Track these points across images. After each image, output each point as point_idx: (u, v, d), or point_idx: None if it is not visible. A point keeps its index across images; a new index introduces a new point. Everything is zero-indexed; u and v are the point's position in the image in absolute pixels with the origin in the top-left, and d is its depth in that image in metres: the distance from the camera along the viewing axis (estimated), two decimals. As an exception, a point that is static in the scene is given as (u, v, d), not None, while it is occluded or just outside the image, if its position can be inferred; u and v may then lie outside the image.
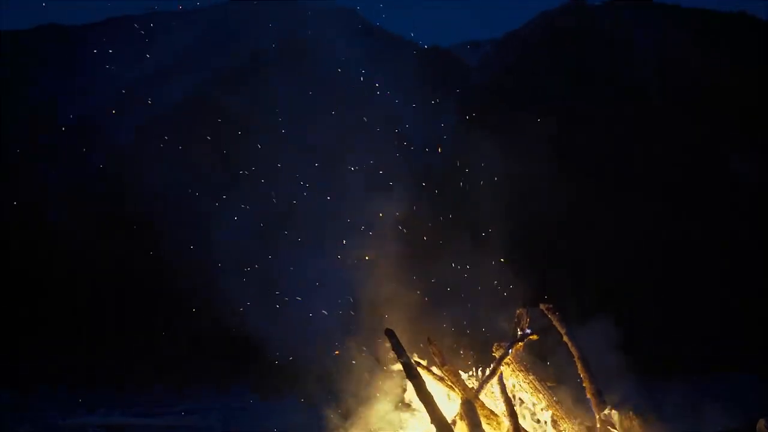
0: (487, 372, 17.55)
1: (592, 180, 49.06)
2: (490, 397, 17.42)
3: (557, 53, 62.50)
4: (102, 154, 50.17)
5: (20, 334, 43.85)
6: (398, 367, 17.02)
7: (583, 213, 45.98)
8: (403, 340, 16.86)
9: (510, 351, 17.51)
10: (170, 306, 41.17)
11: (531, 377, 17.74)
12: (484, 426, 16.12)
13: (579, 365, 18.18)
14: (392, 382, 19.40)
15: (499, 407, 16.95)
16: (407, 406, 18.51)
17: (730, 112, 54.25)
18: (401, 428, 18.51)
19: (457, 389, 16.99)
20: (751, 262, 41.83)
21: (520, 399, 17.86)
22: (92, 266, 46.63)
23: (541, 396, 17.61)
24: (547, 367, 19.11)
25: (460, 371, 17.77)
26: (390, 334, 16.50)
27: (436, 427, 15.37)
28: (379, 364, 19.90)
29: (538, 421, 17.62)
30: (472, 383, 17.61)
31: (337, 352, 21.37)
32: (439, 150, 36.00)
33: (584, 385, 17.99)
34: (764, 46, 59.44)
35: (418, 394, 15.88)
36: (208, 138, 42.14)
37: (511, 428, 16.17)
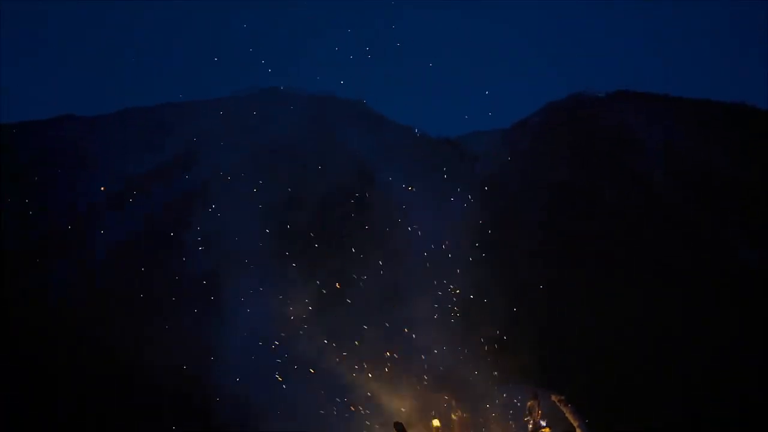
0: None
1: (599, 268, 48.96)
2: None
3: (564, 143, 63.44)
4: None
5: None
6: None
7: (590, 301, 45.71)
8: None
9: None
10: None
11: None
12: None
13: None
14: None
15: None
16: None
17: (734, 199, 54.64)
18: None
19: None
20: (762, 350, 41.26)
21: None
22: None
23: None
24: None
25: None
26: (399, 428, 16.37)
27: None
28: None
29: None
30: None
31: None
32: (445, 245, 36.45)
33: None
34: (765, 134, 60.48)
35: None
36: (216, 226, 42.60)
37: None
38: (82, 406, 40.59)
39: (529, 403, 18.48)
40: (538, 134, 66.45)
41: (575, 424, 18.33)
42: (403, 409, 29.24)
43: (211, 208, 42.69)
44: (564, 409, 18.47)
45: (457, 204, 43.97)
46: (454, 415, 27.21)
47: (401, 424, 16.61)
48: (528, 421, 18.25)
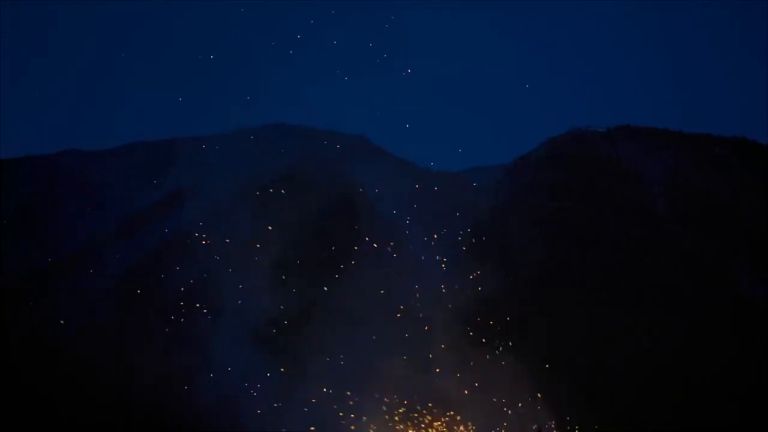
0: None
1: (600, 298, 48.84)
2: None
3: (565, 176, 63.70)
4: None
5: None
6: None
7: (590, 331, 45.52)
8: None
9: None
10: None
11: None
12: None
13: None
14: None
15: None
16: None
17: (735, 230, 54.71)
18: None
19: None
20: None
21: None
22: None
23: None
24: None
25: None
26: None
27: None
28: None
29: None
30: None
31: None
32: (444, 266, 36.57)
33: None
34: (765, 167, 60.81)
35: None
36: (217, 258, 42.86)
37: None
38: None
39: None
40: (539, 168, 66.82)
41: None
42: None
43: (212, 240, 43.01)
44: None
45: (457, 236, 44.21)
46: None
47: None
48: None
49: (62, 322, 49.57)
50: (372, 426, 32.74)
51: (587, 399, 40.36)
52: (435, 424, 32.75)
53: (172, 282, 45.72)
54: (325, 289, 41.43)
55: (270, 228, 44.19)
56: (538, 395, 37.54)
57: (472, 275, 41.50)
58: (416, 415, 33.41)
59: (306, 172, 52.54)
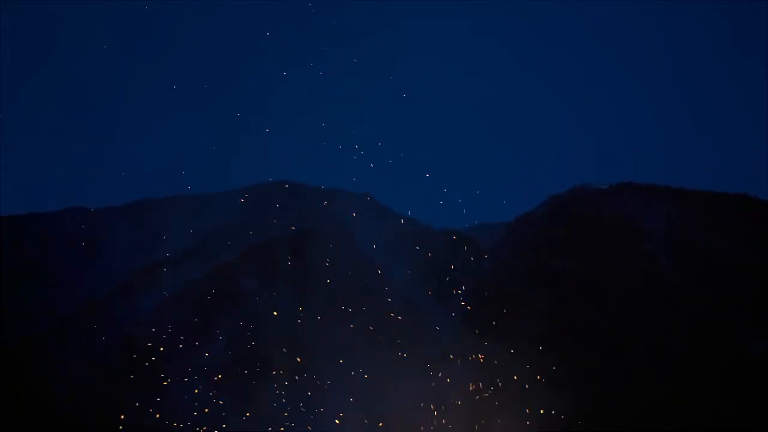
0: None
1: (606, 356, 48.64)
2: None
3: (568, 234, 63.86)
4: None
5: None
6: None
7: (595, 390, 45.23)
8: None
9: None
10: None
11: None
12: None
13: None
14: None
15: None
16: None
17: (741, 287, 54.74)
18: None
19: None
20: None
21: None
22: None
23: None
24: None
25: None
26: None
27: None
28: None
29: None
30: None
31: None
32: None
33: None
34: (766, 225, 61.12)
35: None
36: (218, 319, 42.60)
37: None
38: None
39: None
40: (541, 226, 66.97)
41: None
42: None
43: (215, 302, 42.92)
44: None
45: (462, 295, 44.19)
46: None
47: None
48: None
49: (62, 380, 49.21)
50: None
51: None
52: None
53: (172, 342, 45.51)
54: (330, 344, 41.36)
55: (274, 291, 44.25)
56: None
57: (476, 333, 41.39)
58: None
59: (310, 230, 52.69)
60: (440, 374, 38.06)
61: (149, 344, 47.77)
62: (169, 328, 46.79)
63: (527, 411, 39.70)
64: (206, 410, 40.72)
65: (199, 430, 39.86)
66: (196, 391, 42.26)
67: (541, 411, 40.84)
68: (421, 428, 35.61)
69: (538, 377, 44.06)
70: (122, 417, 44.30)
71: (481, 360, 38.44)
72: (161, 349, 46.04)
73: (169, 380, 43.52)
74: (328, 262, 46.05)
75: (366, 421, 35.80)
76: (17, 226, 66.38)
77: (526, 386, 43.38)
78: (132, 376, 45.68)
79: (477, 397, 37.91)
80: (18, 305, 56.27)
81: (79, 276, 61.16)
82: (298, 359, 39.40)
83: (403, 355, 39.56)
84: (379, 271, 46.23)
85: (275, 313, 42.88)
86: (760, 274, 55.71)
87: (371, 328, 41.67)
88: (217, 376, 42.90)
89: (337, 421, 36.05)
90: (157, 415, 41.95)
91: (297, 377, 40.83)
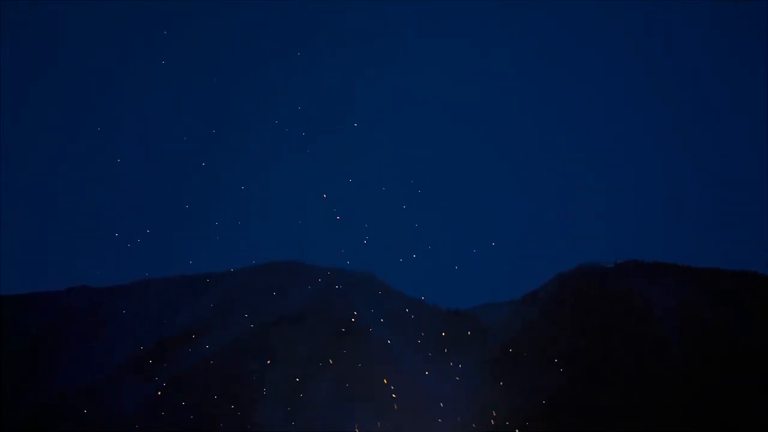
0: None
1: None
2: None
3: (575, 313, 63.57)
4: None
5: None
6: None
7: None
8: None
9: None
10: None
11: None
12: None
13: None
14: None
15: None
16: None
17: (748, 365, 54.19)
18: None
19: None
20: None
21: None
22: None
23: None
24: None
25: None
26: None
27: None
28: None
29: None
30: None
31: None
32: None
33: None
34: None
35: None
36: (223, 401, 42.12)
37: None
38: None
39: None
40: (548, 306, 66.72)
41: None
42: None
43: (221, 378, 42.53)
44: None
45: (469, 376, 43.80)
46: None
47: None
48: None
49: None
50: None
51: None
52: None
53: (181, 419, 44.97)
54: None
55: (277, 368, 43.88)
56: None
57: (488, 416, 40.79)
58: None
59: (314, 310, 52.64)
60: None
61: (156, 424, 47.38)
62: (177, 406, 46.36)
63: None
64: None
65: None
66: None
67: None
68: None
69: None
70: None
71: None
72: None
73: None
74: (331, 341, 45.91)
75: None
76: (22, 306, 66.41)
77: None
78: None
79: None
80: (24, 384, 56.18)
81: (85, 354, 60.99)
82: None
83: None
84: (384, 353, 45.91)
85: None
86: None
87: (376, 408, 41.17)
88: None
89: None
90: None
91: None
